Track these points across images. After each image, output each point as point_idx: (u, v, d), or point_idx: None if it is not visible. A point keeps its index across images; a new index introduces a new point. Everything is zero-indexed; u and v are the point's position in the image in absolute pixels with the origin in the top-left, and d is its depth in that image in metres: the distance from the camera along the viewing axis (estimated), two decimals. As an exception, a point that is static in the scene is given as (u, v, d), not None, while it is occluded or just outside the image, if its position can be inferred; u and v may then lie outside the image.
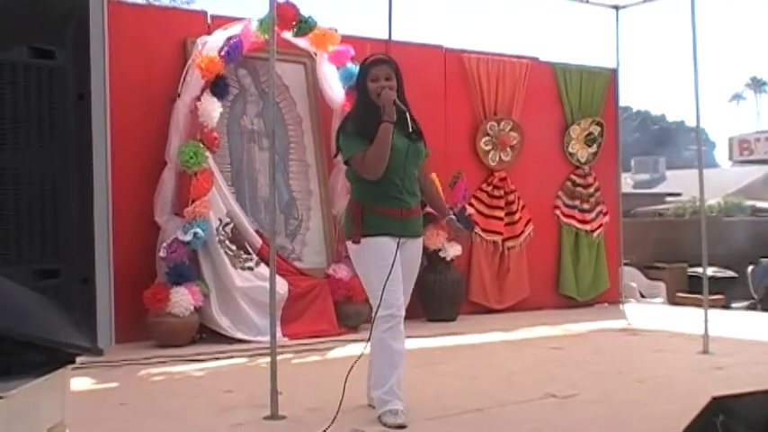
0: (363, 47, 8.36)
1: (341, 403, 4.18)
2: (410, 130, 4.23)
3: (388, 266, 4.21)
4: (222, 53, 7.26)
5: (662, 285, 13.65)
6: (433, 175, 4.77)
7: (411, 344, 6.94)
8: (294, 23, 7.65)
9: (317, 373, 5.85)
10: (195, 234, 6.90)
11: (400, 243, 4.30)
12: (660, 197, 29.16)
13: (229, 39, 7.35)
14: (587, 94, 10.15)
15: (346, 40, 8.10)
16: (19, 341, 1.67)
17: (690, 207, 22.76)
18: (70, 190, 1.85)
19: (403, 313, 4.38)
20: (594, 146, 10.18)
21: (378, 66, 4.42)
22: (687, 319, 8.35)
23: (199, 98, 7.18)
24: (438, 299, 8.49)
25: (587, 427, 4.32)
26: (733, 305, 13.34)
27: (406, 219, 4.35)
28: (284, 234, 7.85)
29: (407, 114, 4.26)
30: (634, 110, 56.57)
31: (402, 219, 4.32)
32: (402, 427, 4.16)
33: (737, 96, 79.26)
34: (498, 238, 9.37)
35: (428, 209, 8.28)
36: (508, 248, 9.44)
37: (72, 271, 1.84)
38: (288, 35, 7.72)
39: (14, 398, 1.65)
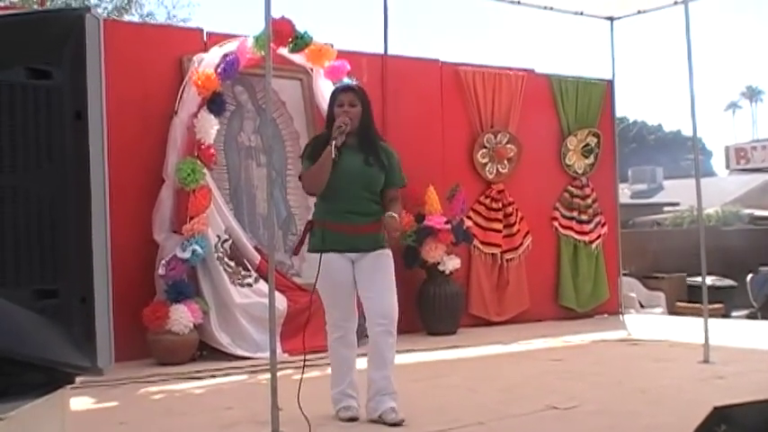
0: (359, 62, 8.39)
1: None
2: (333, 156, 4.47)
3: (330, 281, 4.59)
4: (218, 70, 7.28)
5: (661, 295, 13.64)
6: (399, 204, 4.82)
7: (411, 357, 6.96)
8: (290, 40, 7.67)
9: (317, 388, 5.83)
10: (194, 251, 6.90)
11: (352, 257, 4.62)
12: (658, 207, 29.18)
13: (225, 56, 7.37)
14: (583, 105, 10.17)
15: (342, 55, 8.12)
16: (18, 361, 1.66)
17: (688, 216, 22.80)
18: (68, 209, 1.85)
19: (351, 325, 4.77)
20: (591, 157, 10.20)
21: (344, 93, 4.74)
22: (687, 329, 8.34)
23: (196, 115, 7.19)
24: (437, 312, 8.49)
25: (589, 438, 4.31)
26: (733, 314, 13.32)
27: (355, 235, 4.59)
28: (283, 250, 7.84)
29: (334, 142, 4.49)
30: (630, 120, 56.64)
31: (344, 234, 4.59)
32: (353, 419, 4.58)
33: (733, 105, 79.37)
34: (497, 251, 9.37)
35: (427, 222, 8.37)
36: (507, 261, 9.44)
37: (71, 290, 1.84)
38: (284, 51, 7.74)
39: (14, 419, 1.64)
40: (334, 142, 4.49)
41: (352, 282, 4.65)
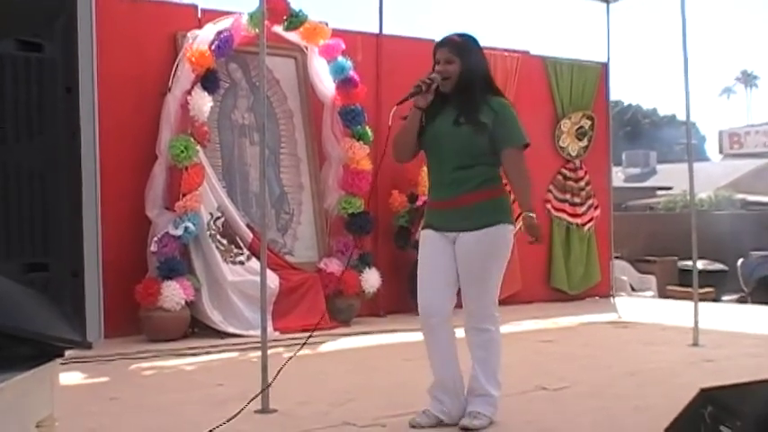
0: (354, 41, 8.37)
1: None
2: (417, 118, 4.04)
3: (423, 262, 4.14)
4: (213, 47, 7.25)
5: (652, 279, 13.70)
6: (522, 169, 4.18)
7: (403, 337, 6.97)
8: (285, 17, 7.65)
9: (307, 367, 5.86)
10: (186, 228, 6.89)
11: (452, 238, 4.06)
12: (651, 191, 29.22)
13: (220, 33, 7.34)
14: (578, 87, 10.16)
15: (337, 33, 8.10)
16: (6, 334, 1.66)
17: (680, 201, 22.84)
18: (59, 183, 1.84)
19: (442, 314, 4.08)
20: (585, 140, 10.20)
21: (440, 48, 4.21)
22: (677, 312, 8.38)
23: (189, 92, 7.17)
24: (429, 293, 8.49)
25: (578, 419, 4.34)
26: (723, 298, 13.40)
27: (446, 210, 4.07)
28: (275, 228, 7.84)
29: (410, 94, 4.05)
30: (625, 104, 56.61)
31: (443, 210, 4.09)
32: (414, 426, 4.07)
33: (728, 90, 79.38)
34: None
35: (420, 203, 8.35)
36: (499, 242, 9.44)
37: (61, 264, 1.84)
38: (278, 29, 7.72)
39: (2, 391, 1.65)
40: (414, 102, 4.07)
41: (451, 266, 4.07)
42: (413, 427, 4.07)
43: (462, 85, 4.09)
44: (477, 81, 4.11)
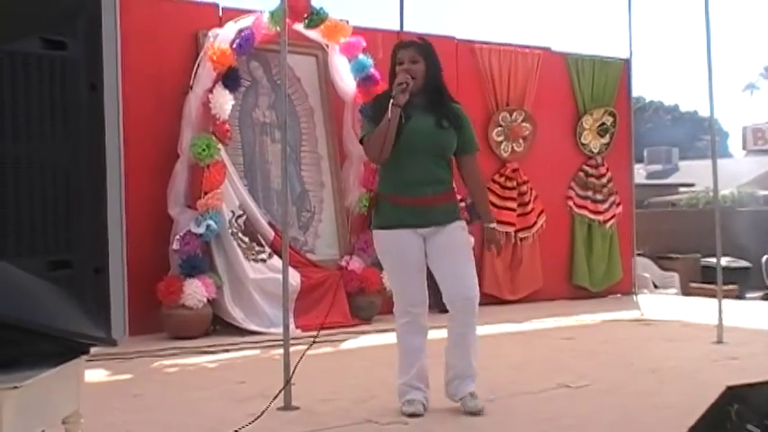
0: (375, 38, 8.36)
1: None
2: (389, 116, 4.02)
3: (400, 261, 4.25)
4: (234, 45, 7.27)
5: (675, 276, 13.59)
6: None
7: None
8: (305, 15, 7.66)
9: (329, 364, 5.87)
10: (208, 226, 6.92)
11: (423, 234, 4.20)
12: (673, 188, 28.98)
13: (241, 31, 7.36)
14: (600, 84, 10.10)
15: (358, 31, 8.09)
16: (33, 331, 1.68)
17: (703, 197, 22.63)
18: (83, 181, 1.85)
19: (421, 310, 4.30)
20: (607, 136, 10.15)
21: (404, 49, 4.28)
22: (701, 310, 8.32)
23: (211, 91, 7.19)
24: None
25: (600, 416, 4.31)
26: (747, 295, 13.28)
27: (421, 207, 4.16)
28: (297, 226, 7.86)
29: (392, 101, 4.09)
30: (647, 100, 56.20)
31: (416, 207, 4.17)
32: (415, 415, 4.18)
33: (751, 86, 78.47)
34: (511, 229, 9.34)
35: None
36: (521, 239, 9.43)
37: (85, 261, 1.85)
38: (299, 27, 7.73)
39: (29, 387, 1.66)
40: (392, 101, 4.06)
41: (424, 260, 4.25)
42: (412, 416, 4.17)
43: (432, 87, 4.25)
44: (442, 84, 4.32)
